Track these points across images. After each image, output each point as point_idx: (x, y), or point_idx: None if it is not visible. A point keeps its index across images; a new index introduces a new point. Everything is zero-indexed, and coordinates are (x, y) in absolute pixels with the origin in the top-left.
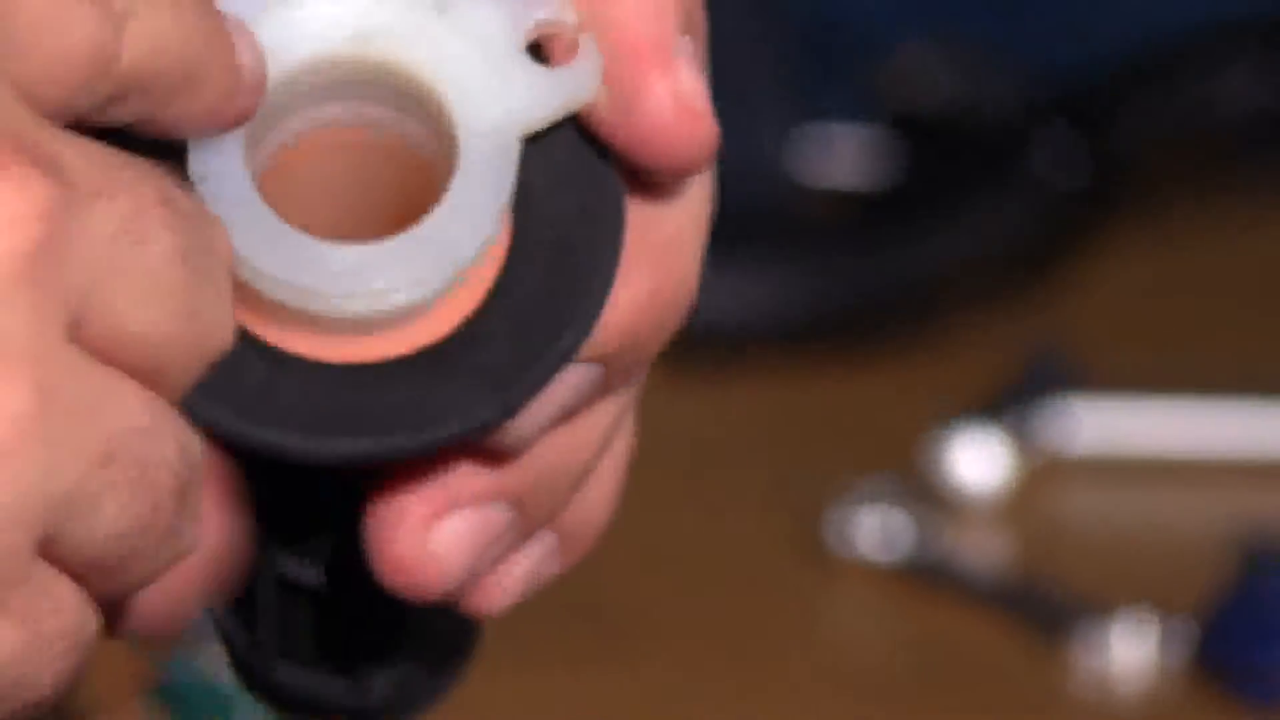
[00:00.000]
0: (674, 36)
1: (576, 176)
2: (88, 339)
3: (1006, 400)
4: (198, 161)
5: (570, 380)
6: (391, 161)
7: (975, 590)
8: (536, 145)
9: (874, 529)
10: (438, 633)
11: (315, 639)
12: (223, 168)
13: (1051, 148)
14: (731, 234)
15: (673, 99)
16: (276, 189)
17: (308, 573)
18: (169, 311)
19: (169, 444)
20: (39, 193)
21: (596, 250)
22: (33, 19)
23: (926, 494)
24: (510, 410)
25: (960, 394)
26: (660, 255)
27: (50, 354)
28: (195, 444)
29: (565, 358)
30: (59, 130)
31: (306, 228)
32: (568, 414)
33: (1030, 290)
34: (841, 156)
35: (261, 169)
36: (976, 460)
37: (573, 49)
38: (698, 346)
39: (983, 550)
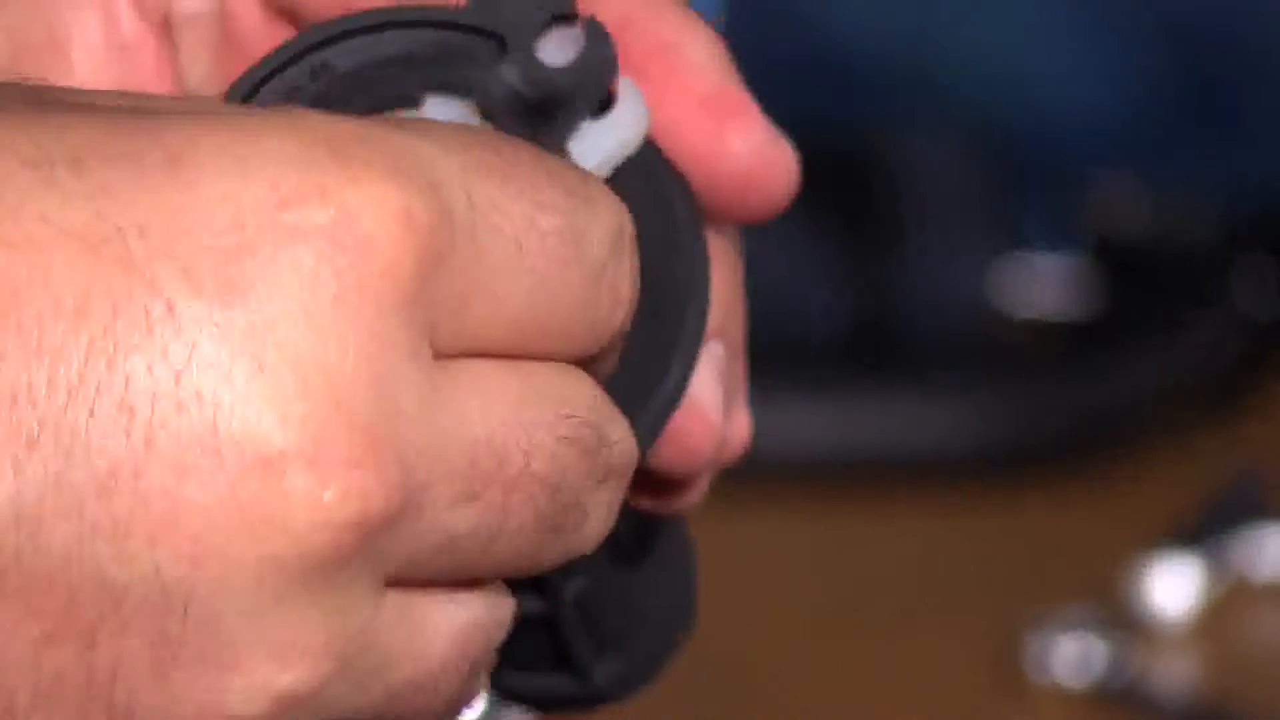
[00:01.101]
0: (742, 84)
1: (650, 212)
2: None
3: (1202, 527)
4: None
5: (708, 370)
6: None
7: (1167, 714)
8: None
9: (1070, 654)
10: (659, 610)
11: (538, 651)
12: None
13: (1250, 277)
14: (933, 362)
15: (752, 147)
16: None
17: (529, 601)
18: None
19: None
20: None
21: (686, 275)
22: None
23: (1121, 619)
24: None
25: (1156, 521)
26: (728, 256)
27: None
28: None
29: (677, 396)
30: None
31: None
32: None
33: (1227, 418)
34: (1042, 285)
35: None
36: (1172, 587)
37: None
38: (899, 474)
39: (1174, 674)
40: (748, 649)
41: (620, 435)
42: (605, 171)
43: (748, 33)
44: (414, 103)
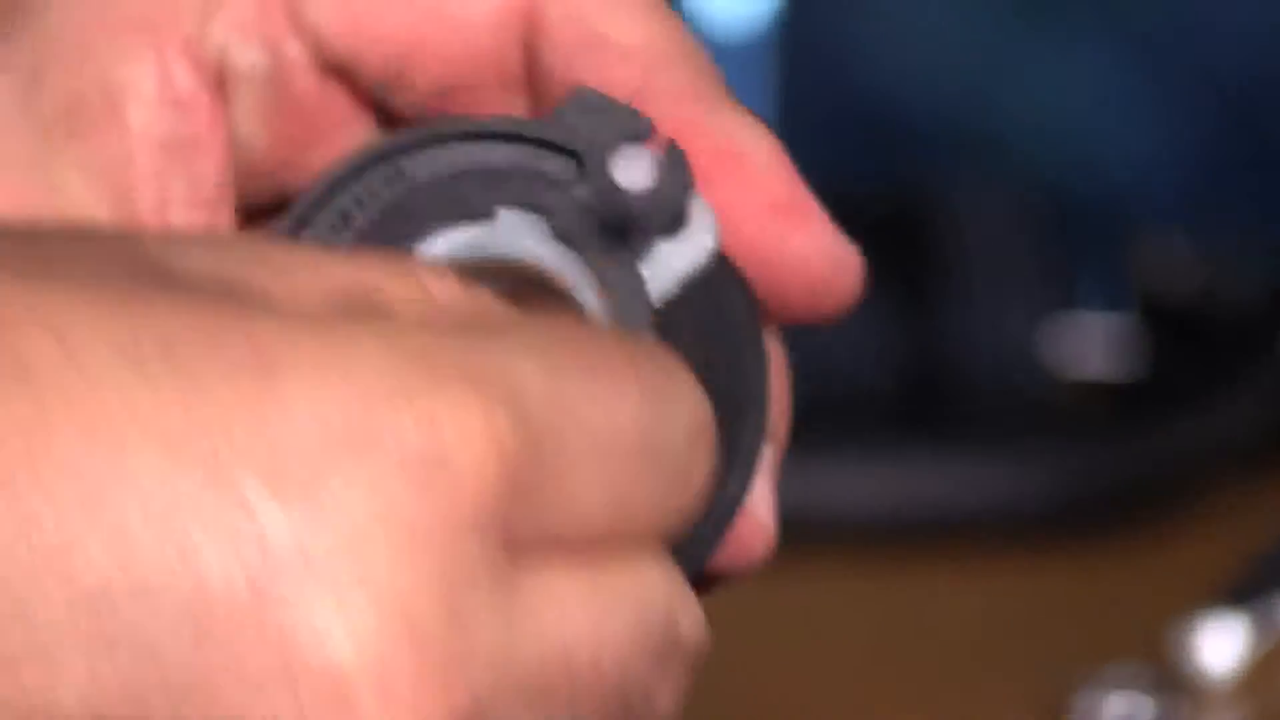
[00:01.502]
0: (805, 188)
1: (713, 319)
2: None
3: (1248, 586)
4: None
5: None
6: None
7: None
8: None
9: (1118, 712)
10: None
11: None
12: None
13: None
14: (983, 421)
15: (821, 253)
16: None
17: None
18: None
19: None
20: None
21: (747, 385)
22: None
23: (1167, 678)
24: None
25: (1203, 580)
26: (779, 356)
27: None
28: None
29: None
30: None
31: None
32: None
33: (1274, 477)
34: (1092, 344)
35: None
36: (1218, 645)
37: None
38: (947, 534)
39: None
40: (800, 707)
41: (692, 622)
42: (675, 287)
43: (801, 89)
44: (488, 217)
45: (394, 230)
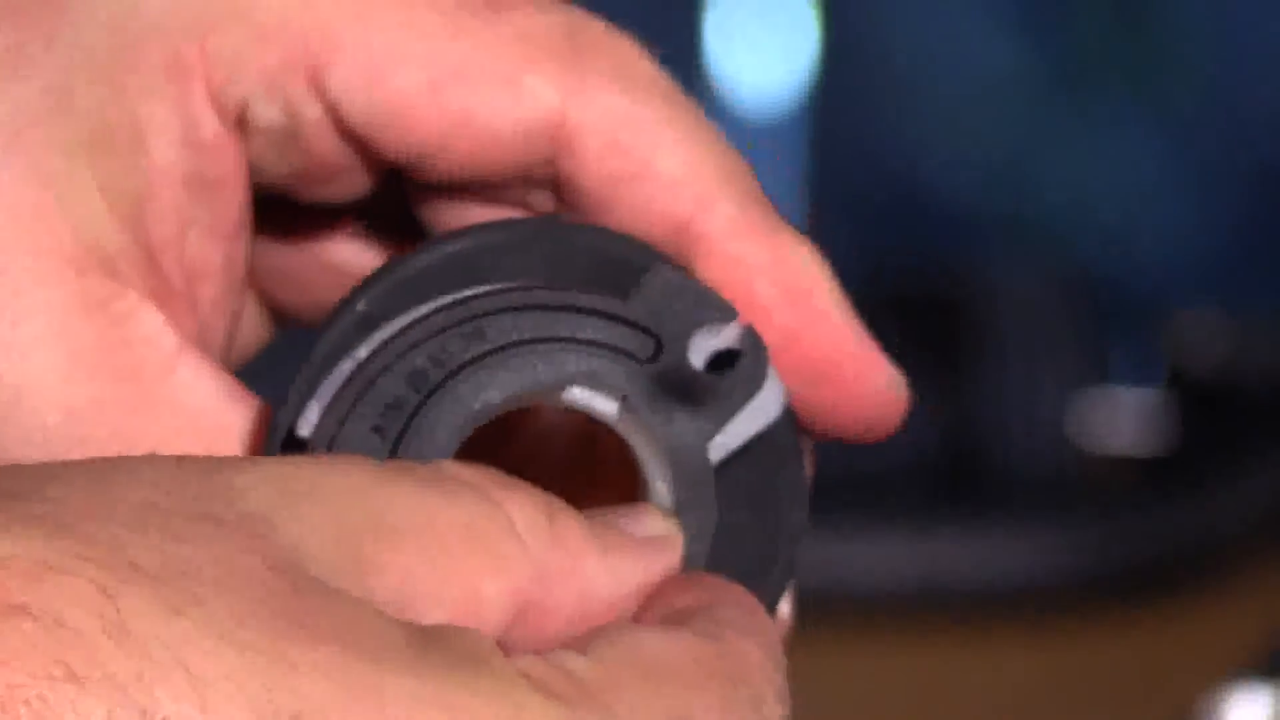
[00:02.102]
0: (865, 333)
1: (769, 467)
2: None
3: (1277, 658)
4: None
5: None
6: (593, 432)
7: None
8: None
9: None
10: None
11: None
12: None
13: None
14: (1017, 496)
15: (886, 386)
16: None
17: None
18: None
19: None
20: None
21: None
22: None
23: None
24: None
25: (1233, 652)
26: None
27: None
28: None
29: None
30: None
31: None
32: None
33: None
34: (1125, 419)
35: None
36: (1248, 717)
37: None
38: (981, 607)
39: None
40: None
41: None
42: (738, 446)
43: (835, 167)
44: (561, 390)
45: (466, 393)
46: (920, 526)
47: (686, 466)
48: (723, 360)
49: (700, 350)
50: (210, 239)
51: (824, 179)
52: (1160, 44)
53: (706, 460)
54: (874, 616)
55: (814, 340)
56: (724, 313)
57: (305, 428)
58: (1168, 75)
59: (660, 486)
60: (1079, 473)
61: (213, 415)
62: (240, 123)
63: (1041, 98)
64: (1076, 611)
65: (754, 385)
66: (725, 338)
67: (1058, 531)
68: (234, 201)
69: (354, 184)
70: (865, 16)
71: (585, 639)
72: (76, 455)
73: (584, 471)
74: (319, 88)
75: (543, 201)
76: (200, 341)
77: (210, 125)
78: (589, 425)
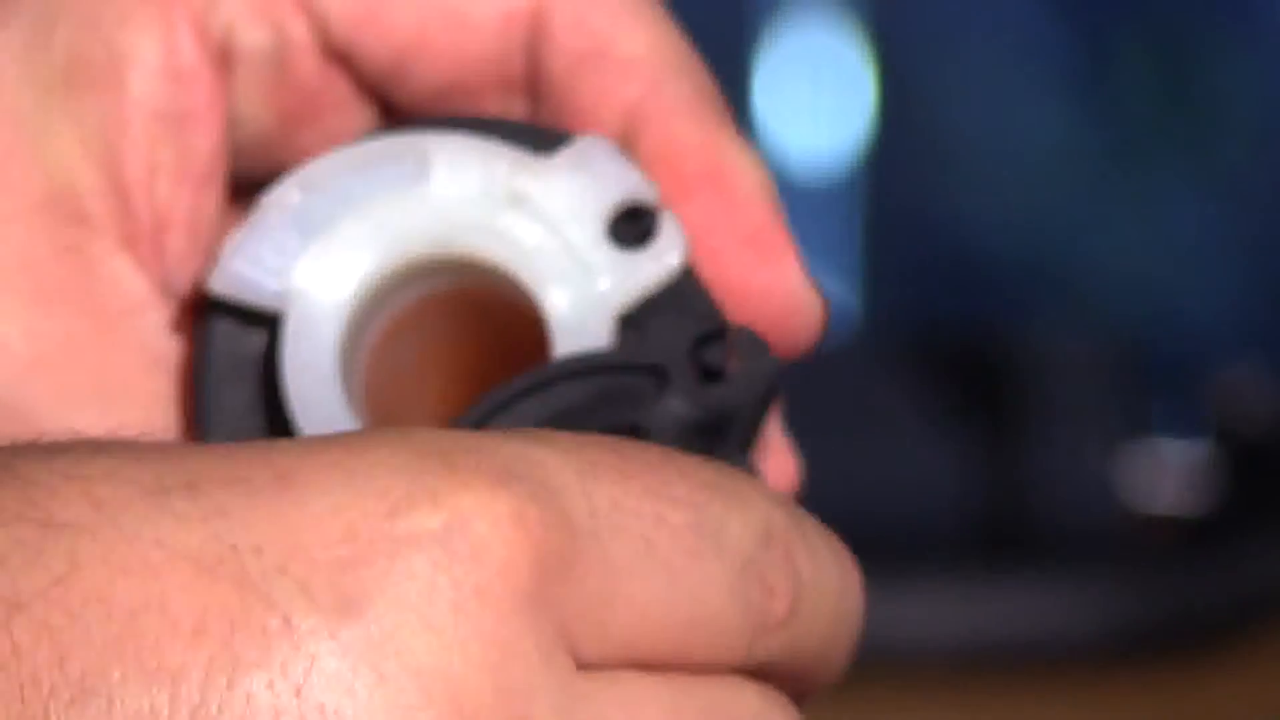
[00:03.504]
0: (783, 222)
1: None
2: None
3: None
4: (292, 347)
5: None
6: (491, 312)
7: None
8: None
9: None
10: None
11: None
12: (314, 362)
13: None
14: (1061, 553)
15: (787, 292)
16: (385, 360)
17: None
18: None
19: None
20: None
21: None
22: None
23: None
24: None
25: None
26: None
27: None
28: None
29: None
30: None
31: (418, 388)
32: None
33: None
34: (1168, 477)
35: (367, 354)
36: None
37: (653, 226)
38: (1025, 663)
39: None
40: None
41: None
42: (640, 299)
43: (885, 229)
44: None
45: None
46: (964, 584)
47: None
48: (730, 372)
49: (707, 371)
50: (179, 182)
51: (875, 242)
52: (1207, 112)
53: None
54: (919, 674)
55: (730, 224)
56: (717, 325)
57: None
58: (1214, 142)
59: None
60: (1124, 531)
61: (179, 358)
62: (224, 54)
63: (1089, 163)
64: (1122, 669)
65: (768, 376)
66: (726, 351)
67: (1103, 589)
68: (209, 139)
69: (338, 124)
70: (918, 81)
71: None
72: (45, 387)
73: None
74: (305, 4)
75: (520, 110)
76: (166, 293)
77: (189, 54)
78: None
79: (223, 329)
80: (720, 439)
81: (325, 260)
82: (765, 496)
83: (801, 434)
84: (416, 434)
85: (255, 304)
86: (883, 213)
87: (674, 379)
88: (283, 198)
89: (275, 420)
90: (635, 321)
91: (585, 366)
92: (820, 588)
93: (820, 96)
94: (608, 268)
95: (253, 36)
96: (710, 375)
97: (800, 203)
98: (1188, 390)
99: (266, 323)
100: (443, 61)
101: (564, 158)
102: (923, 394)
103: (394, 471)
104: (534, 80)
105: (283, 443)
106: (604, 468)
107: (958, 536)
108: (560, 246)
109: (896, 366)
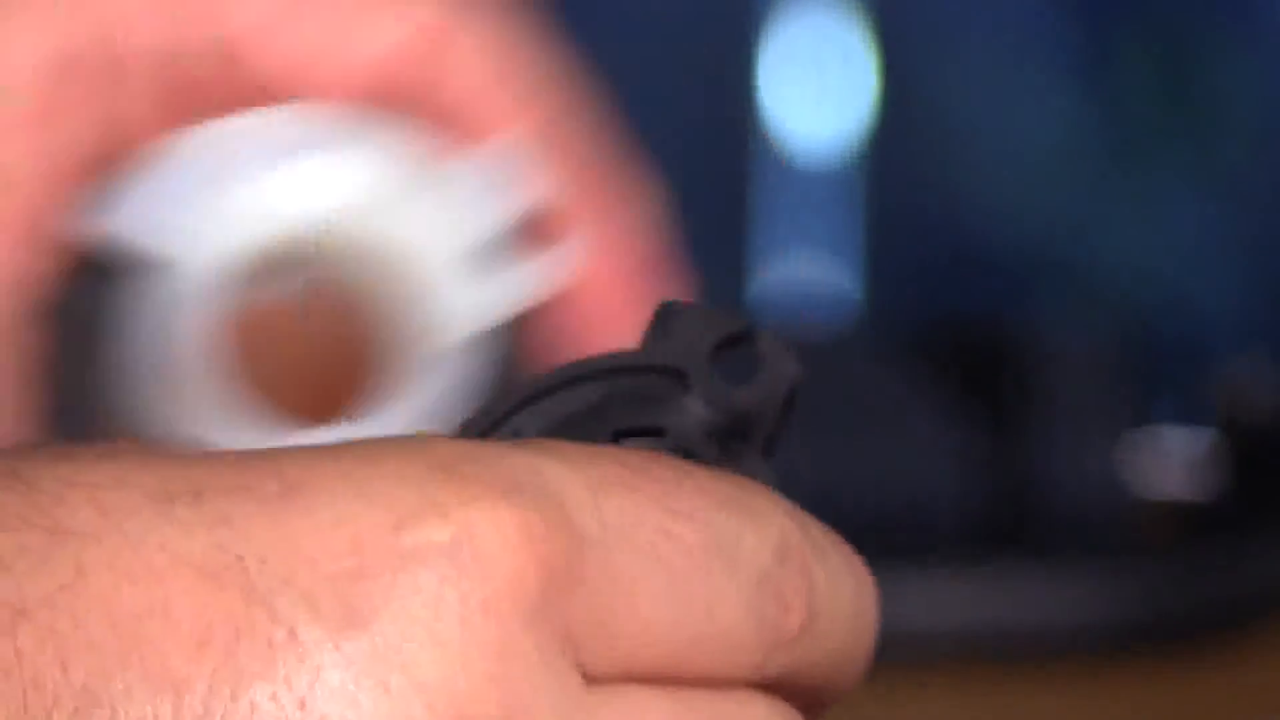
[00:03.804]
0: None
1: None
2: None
3: None
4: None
5: None
6: (351, 321)
7: None
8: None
9: None
10: None
11: None
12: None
13: None
14: (1065, 544)
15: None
16: (247, 349)
17: None
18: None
19: None
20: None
21: None
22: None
23: None
24: None
25: None
26: None
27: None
28: None
29: None
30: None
31: (273, 387)
32: None
33: None
34: (1173, 467)
35: (233, 329)
36: None
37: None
38: (1028, 653)
39: None
40: None
41: None
42: (498, 322)
43: (888, 224)
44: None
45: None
46: (968, 573)
47: None
48: (751, 374)
49: (728, 373)
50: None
51: (877, 231)
52: (1209, 107)
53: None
54: (923, 664)
55: (604, 264)
56: (739, 327)
57: None
58: (1216, 137)
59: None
60: (1128, 523)
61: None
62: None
63: (1092, 155)
64: (1128, 659)
65: (789, 382)
66: (749, 354)
67: (1108, 580)
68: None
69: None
70: (920, 74)
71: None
72: None
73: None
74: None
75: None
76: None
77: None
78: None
79: (86, 280)
80: (741, 443)
81: (204, 222)
82: (780, 510)
83: (804, 427)
84: (426, 445)
85: (125, 253)
86: (885, 205)
87: (694, 381)
88: (164, 154)
89: (122, 378)
90: (660, 322)
91: (606, 367)
92: (836, 600)
93: (823, 87)
94: (473, 288)
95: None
96: (732, 378)
97: (803, 194)
98: (1191, 382)
99: (133, 275)
100: (320, 95)
101: (466, 163)
102: (924, 386)
103: (402, 484)
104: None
105: (291, 451)
106: (614, 480)
107: (960, 528)
108: (439, 254)
109: (899, 358)
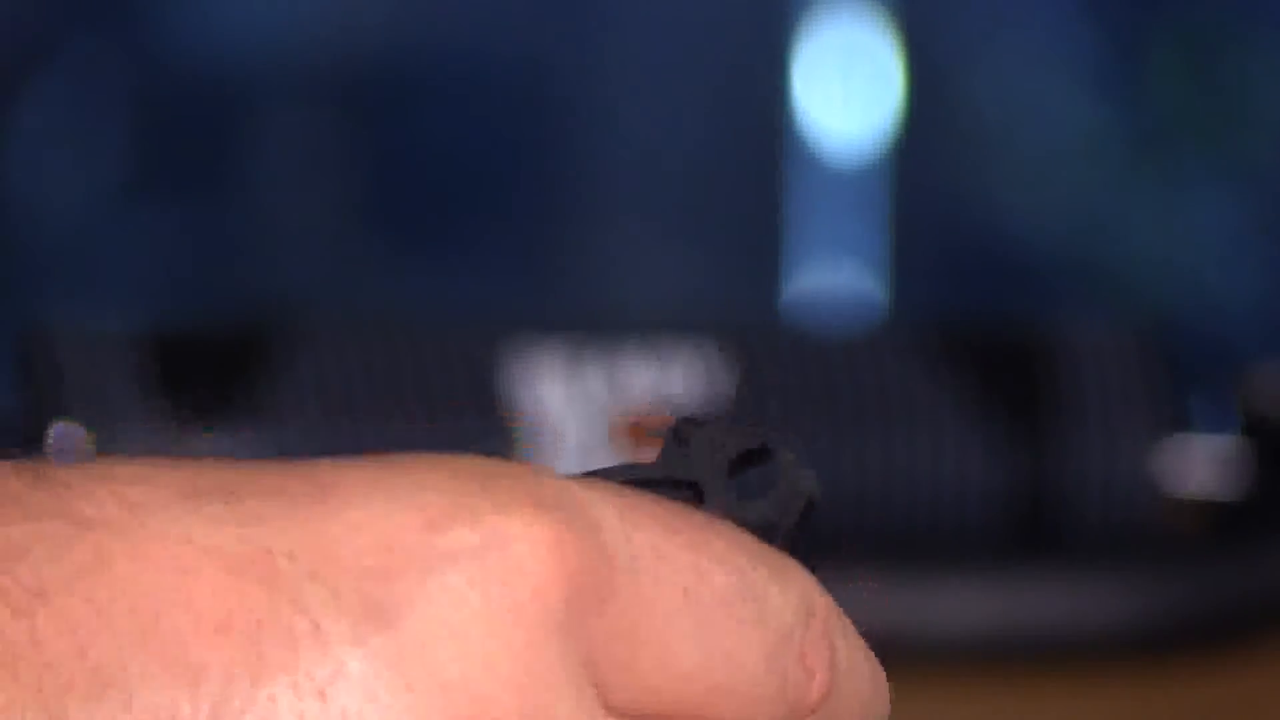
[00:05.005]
0: None
1: None
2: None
3: None
4: None
5: None
6: None
7: None
8: None
9: None
10: None
11: None
12: None
13: None
14: (1095, 545)
15: None
16: None
17: None
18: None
19: None
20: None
21: None
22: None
23: None
24: None
25: None
26: None
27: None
28: None
29: None
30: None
31: None
32: None
33: None
34: (1202, 468)
35: None
36: None
37: None
38: (1058, 655)
39: None
40: None
41: None
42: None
43: (919, 219)
44: None
45: None
46: (998, 575)
47: None
48: (768, 489)
49: (745, 487)
50: None
51: (905, 227)
52: (1237, 102)
53: None
54: (952, 666)
55: None
56: (756, 440)
57: None
58: (1244, 132)
59: None
60: (1155, 522)
61: None
62: None
63: (1120, 151)
64: (1156, 659)
65: (804, 496)
66: (763, 469)
67: (1136, 579)
68: None
69: None
70: (948, 67)
71: None
72: None
73: None
74: None
75: None
76: None
77: None
78: None
79: None
80: None
81: None
82: (808, 577)
83: (830, 426)
84: (460, 459)
85: None
86: (914, 205)
87: (710, 495)
88: None
89: None
90: (678, 436)
91: (623, 478)
92: (854, 679)
93: (853, 82)
94: None
95: None
96: (749, 493)
97: (832, 194)
98: (1218, 381)
99: None
100: None
101: None
102: (951, 385)
103: (434, 490)
104: None
105: (323, 461)
106: (647, 516)
107: (985, 528)
108: None
109: (926, 358)
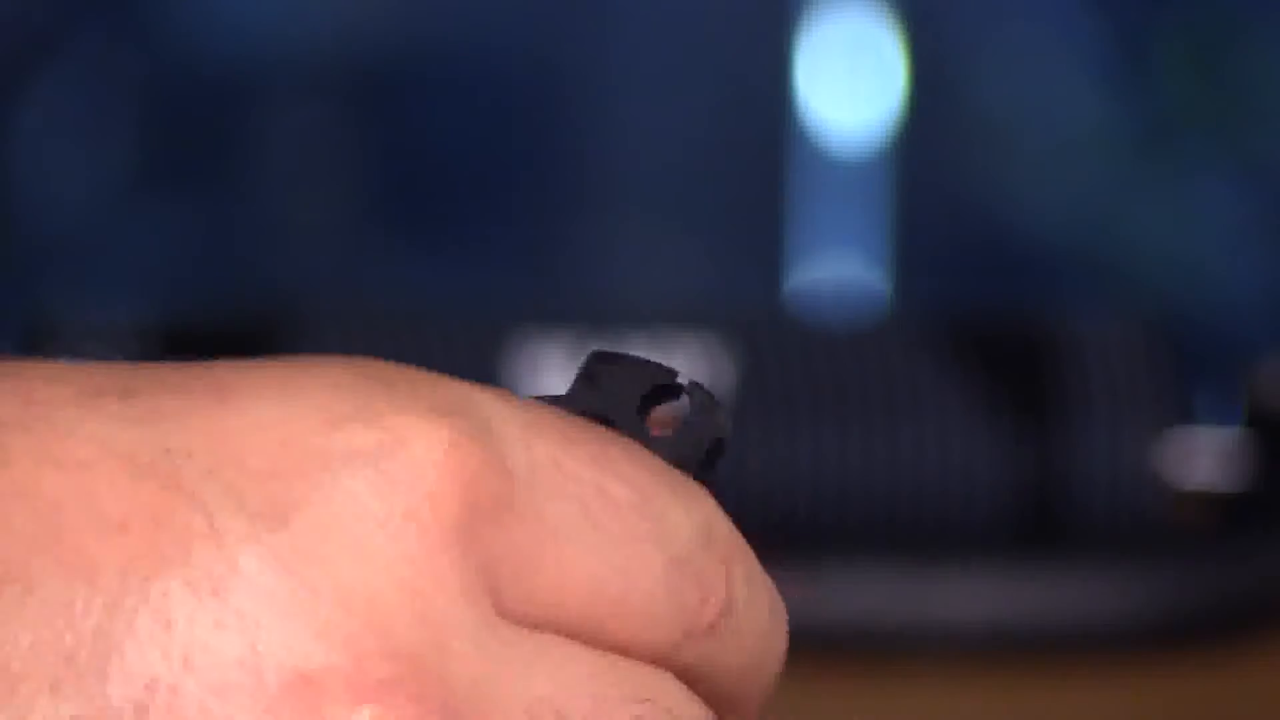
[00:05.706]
0: None
1: None
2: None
3: None
4: None
5: None
6: None
7: None
8: None
9: None
10: None
11: None
12: None
13: None
14: (1098, 538)
15: None
16: None
17: None
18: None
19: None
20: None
21: None
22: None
23: None
24: None
25: None
26: None
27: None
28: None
29: None
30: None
31: None
32: None
33: None
34: (1206, 461)
35: None
36: None
37: None
38: (1062, 649)
39: None
40: None
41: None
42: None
43: (924, 211)
44: None
45: None
46: (1001, 568)
47: None
48: (678, 424)
49: (654, 422)
50: None
51: (909, 220)
52: (1243, 96)
53: None
54: (956, 659)
55: None
56: (667, 377)
57: None
58: (1251, 126)
59: None
60: (1161, 512)
61: None
62: None
63: (1124, 145)
64: (1160, 652)
65: (711, 434)
66: (674, 405)
67: (1141, 572)
68: None
69: None
70: (952, 59)
71: None
72: None
73: None
74: None
75: None
76: None
77: None
78: None
79: None
80: None
81: None
82: (711, 502)
83: (833, 418)
84: (364, 362)
85: None
86: (918, 197)
87: (620, 430)
88: None
89: None
90: (589, 371)
91: None
92: (751, 606)
93: (857, 75)
94: None
95: None
96: (657, 429)
97: (836, 186)
98: (1224, 372)
99: None
100: None
101: None
102: (956, 378)
103: (335, 389)
104: None
105: (227, 361)
106: (549, 428)
107: (991, 521)
108: None
109: (931, 351)
